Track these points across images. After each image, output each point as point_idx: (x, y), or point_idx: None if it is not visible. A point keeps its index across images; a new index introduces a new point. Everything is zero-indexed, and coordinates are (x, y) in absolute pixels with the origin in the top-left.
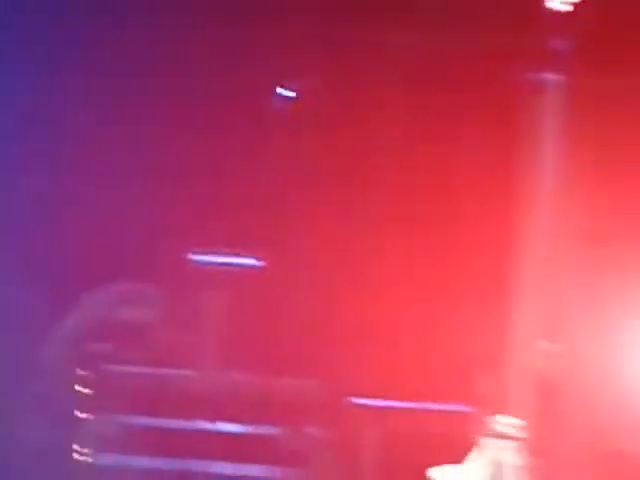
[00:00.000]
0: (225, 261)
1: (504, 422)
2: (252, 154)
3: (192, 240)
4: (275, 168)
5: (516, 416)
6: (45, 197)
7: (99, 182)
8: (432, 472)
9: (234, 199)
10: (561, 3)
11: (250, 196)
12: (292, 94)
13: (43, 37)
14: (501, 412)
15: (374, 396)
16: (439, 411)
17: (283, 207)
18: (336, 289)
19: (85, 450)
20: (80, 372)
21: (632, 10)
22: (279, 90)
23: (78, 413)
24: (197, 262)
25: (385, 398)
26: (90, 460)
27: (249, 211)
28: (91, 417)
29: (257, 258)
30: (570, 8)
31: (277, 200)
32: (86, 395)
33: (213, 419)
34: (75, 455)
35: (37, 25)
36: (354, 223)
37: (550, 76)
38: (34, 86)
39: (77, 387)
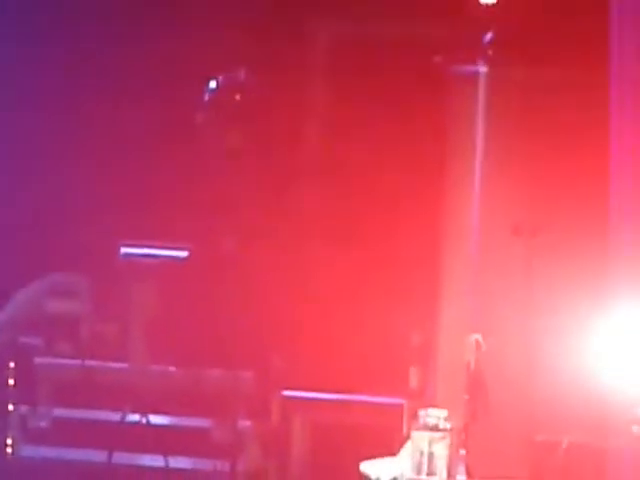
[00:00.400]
0: (154, 253)
1: (435, 414)
2: (179, 147)
3: (121, 232)
4: (202, 161)
5: (447, 408)
6: None
7: (26, 175)
8: (365, 466)
9: (162, 191)
10: None
11: (178, 188)
12: (218, 86)
13: None
14: (432, 405)
15: (306, 388)
16: (371, 403)
17: (211, 199)
18: (266, 282)
19: (15, 443)
20: (10, 364)
21: (557, 1)
22: (208, 83)
23: (8, 405)
24: (126, 254)
25: (316, 390)
26: (20, 452)
27: (177, 203)
28: (21, 409)
29: (186, 250)
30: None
31: (205, 192)
32: (16, 387)
33: (143, 411)
34: (5, 448)
35: None
36: (282, 216)
37: (475, 67)
38: None
39: (7, 379)
